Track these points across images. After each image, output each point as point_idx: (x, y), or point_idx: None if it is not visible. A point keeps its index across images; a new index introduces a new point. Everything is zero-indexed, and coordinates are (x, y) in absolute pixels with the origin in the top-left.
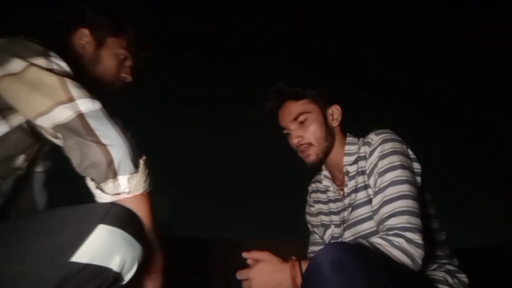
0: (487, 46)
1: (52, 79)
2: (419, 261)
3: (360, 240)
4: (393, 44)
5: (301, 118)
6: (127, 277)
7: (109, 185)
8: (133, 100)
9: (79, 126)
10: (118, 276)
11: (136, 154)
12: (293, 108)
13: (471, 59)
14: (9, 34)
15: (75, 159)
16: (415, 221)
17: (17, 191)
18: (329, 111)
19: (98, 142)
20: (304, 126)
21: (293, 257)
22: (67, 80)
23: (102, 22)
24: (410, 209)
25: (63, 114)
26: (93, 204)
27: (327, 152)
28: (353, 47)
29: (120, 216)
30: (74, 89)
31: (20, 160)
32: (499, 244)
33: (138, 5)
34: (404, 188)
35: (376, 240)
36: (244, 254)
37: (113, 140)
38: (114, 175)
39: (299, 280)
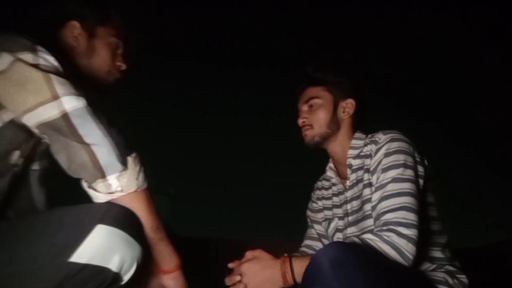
0: (490, 47)
1: (37, 75)
2: (410, 256)
3: (353, 237)
4: (394, 44)
5: (311, 102)
6: (126, 277)
7: (100, 185)
8: (135, 102)
9: (63, 126)
10: (117, 276)
11: (123, 151)
12: (309, 92)
13: (473, 60)
14: None
15: (63, 162)
16: (412, 217)
17: (15, 190)
18: (343, 103)
19: (82, 142)
20: (312, 110)
21: (285, 254)
22: (52, 76)
23: (88, 13)
24: (408, 205)
25: (48, 112)
26: (92, 204)
27: (325, 138)
28: (355, 49)
29: (119, 216)
30: (59, 86)
31: (16, 156)
32: (499, 244)
33: (141, 8)
34: (405, 186)
35: (367, 235)
36: (230, 265)
37: (97, 139)
38: (103, 175)
39: (289, 276)
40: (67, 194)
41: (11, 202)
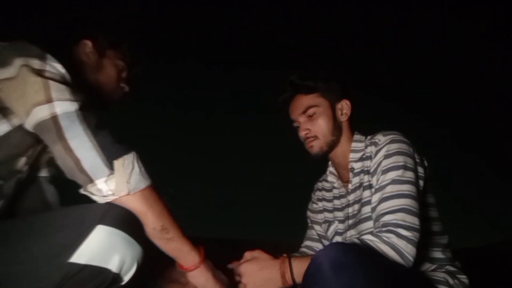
0: (491, 47)
1: (37, 80)
2: (409, 257)
3: (353, 238)
4: (394, 45)
5: (310, 111)
6: (126, 278)
7: (92, 189)
8: (136, 103)
9: (52, 127)
10: (116, 277)
11: (109, 155)
12: (303, 101)
13: (474, 61)
14: (13, 39)
15: (60, 165)
16: (410, 219)
17: (26, 196)
18: (339, 105)
19: (66, 148)
20: (312, 120)
21: (284, 254)
22: (51, 82)
23: (101, 36)
24: (407, 207)
25: (40, 113)
26: (92, 204)
27: (332, 145)
28: (354, 49)
29: (119, 217)
30: (55, 92)
31: (21, 162)
32: (499, 244)
33: (141, 12)
34: (404, 188)
35: (367, 236)
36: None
37: (82, 143)
38: (91, 180)
39: (288, 276)
40: (67, 195)
41: (25, 207)
